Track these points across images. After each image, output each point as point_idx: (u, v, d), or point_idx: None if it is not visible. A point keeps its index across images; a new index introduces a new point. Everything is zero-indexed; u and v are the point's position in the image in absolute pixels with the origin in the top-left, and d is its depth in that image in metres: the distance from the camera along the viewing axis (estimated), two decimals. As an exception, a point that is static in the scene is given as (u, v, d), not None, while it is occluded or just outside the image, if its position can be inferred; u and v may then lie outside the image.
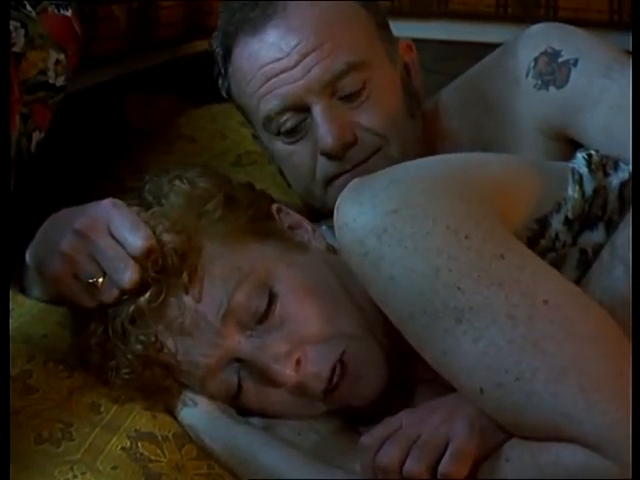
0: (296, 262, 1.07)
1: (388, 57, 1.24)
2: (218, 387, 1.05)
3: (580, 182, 1.03)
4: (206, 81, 1.32)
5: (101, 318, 1.02)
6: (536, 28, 1.22)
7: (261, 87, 1.21)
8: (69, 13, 1.21)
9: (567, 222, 1.01)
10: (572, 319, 0.88)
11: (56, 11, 1.20)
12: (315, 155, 1.21)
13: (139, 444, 0.99)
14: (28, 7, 1.16)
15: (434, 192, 0.93)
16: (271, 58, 1.20)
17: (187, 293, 1.01)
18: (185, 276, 1.01)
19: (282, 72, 1.19)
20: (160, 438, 1.01)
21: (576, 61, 1.16)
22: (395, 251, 0.90)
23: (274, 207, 1.13)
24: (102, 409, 1.02)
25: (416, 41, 1.32)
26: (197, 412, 1.05)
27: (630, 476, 0.84)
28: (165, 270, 1.00)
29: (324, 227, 1.15)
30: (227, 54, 1.25)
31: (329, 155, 1.20)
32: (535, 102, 1.19)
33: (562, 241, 1.01)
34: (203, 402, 1.06)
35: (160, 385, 1.05)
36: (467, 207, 0.93)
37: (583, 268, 1.01)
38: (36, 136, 1.16)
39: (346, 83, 1.19)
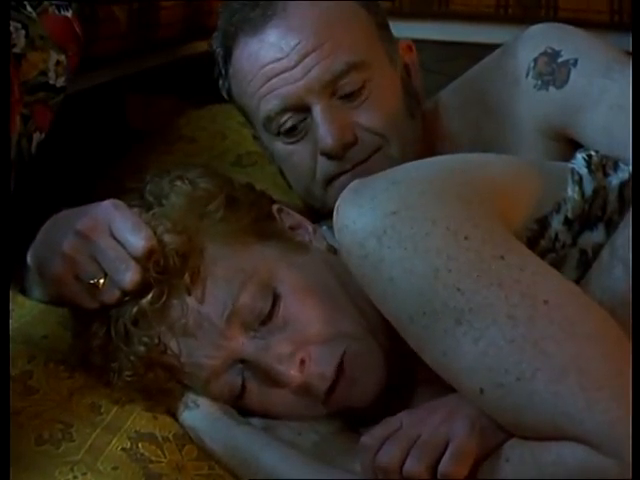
0: (297, 263, 1.07)
1: (388, 57, 1.24)
2: (222, 388, 1.05)
3: (580, 182, 1.03)
4: (206, 82, 1.32)
5: (103, 320, 1.02)
6: (535, 28, 1.22)
7: (261, 87, 1.21)
8: (69, 14, 1.22)
9: (567, 222, 1.01)
10: (572, 319, 0.88)
11: (56, 12, 1.20)
12: (315, 155, 1.21)
13: (139, 445, 0.99)
14: (29, 8, 1.16)
15: (434, 193, 0.93)
16: (271, 58, 1.20)
17: (189, 294, 1.01)
18: (187, 277, 1.01)
19: (282, 72, 1.19)
20: (160, 439, 1.01)
21: (576, 61, 1.16)
22: (395, 252, 0.90)
23: (275, 207, 1.13)
24: (102, 410, 1.02)
25: (416, 41, 1.33)
26: (198, 414, 1.05)
27: (630, 475, 0.84)
28: (167, 271, 1.00)
29: (324, 227, 1.15)
30: (227, 54, 1.25)
31: (329, 155, 1.20)
32: (535, 102, 1.19)
33: (562, 241, 1.01)
34: (204, 404, 1.05)
35: (162, 387, 1.04)
36: (467, 208, 0.93)
37: (583, 268, 1.01)
38: (36, 137, 1.16)
39: (346, 83, 1.19)
